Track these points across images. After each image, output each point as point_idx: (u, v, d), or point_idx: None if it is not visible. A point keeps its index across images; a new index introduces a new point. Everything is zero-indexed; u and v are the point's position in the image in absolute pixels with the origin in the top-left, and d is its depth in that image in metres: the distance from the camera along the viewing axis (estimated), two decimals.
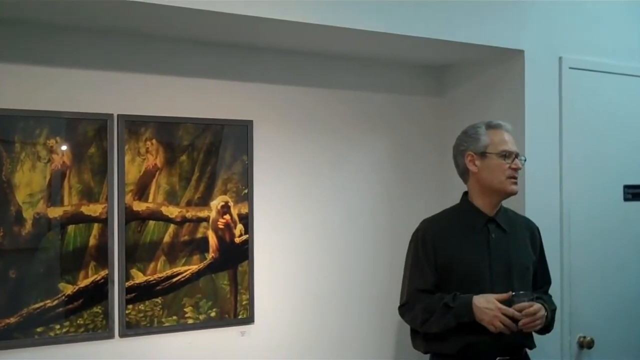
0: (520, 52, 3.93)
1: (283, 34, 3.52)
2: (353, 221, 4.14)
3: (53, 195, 3.33)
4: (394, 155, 4.30)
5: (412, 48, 3.87)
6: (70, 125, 3.38)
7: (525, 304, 3.09)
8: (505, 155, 3.24)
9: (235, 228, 3.74)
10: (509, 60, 3.99)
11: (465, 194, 3.42)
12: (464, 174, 3.38)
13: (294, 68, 3.96)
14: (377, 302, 4.17)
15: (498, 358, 3.18)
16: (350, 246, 4.12)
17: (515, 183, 3.27)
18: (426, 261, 3.28)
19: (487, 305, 3.07)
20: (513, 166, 3.25)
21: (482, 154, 3.26)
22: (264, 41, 3.68)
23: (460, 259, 3.25)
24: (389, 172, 4.28)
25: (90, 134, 3.42)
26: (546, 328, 3.31)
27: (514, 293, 3.11)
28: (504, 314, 3.04)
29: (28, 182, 3.28)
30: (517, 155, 3.28)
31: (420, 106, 4.40)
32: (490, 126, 3.33)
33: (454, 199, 3.51)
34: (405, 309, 3.35)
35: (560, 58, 4.06)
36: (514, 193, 3.29)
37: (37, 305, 3.29)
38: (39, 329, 3.29)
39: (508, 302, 3.09)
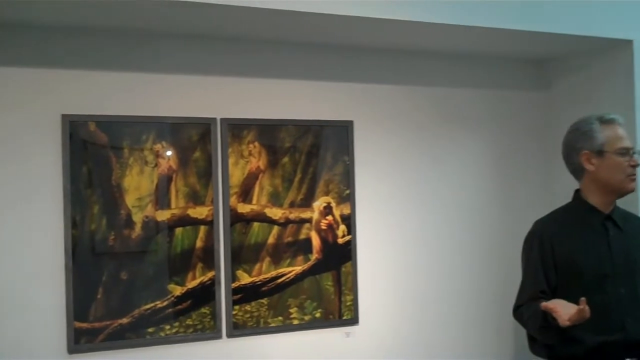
0: (629, 42, 3.76)
1: (383, 33, 3.49)
2: (456, 221, 4.07)
3: (161, 198, 3.41)
4: (497, 152, 4.20)
5: (514, 42, 3.77)
6: (175, 130, 3.45)
7: None
8: (623, 152, 3.09)
9: (337, 229, 3.74)
10: (616, 51, 3.83)
11: (578, 191, 3.29)
12: (577, 172, 3.23)
13: (393, 67, 3.92)
14: (483, 304, 4.09)
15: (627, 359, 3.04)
16: (453, 246, 4.05)
17: (634, 180, 3.12)
18: (542, 264, 3.15)
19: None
20: (632, 163, 3.10)
21: (599, 152, 3.10)
22: (363, 41, 3.66)
23: (581, 259, 3.11)
24: (492, 170, 4.19)
25: (194, 138, 3.48)
26: None
27: None
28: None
29: (137, 186, 3.37)
30: (634, 151, 3.13)
31: (522, 101, 4.28)
32: (603, 121, 3.16)
33: (561, 196, 3.38)
34: (518, 314, 3.24)
35: None
36: (632, 191, 3.13)
37: (147, 306, 3.38)
38: (150, 330, 3.37)
39: None
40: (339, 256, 3.74)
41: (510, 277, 3.42)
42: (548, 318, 2.88)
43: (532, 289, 3.14)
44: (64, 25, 3.22)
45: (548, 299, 3.00)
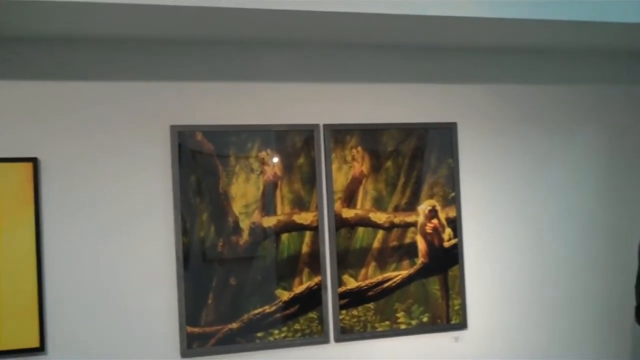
0: None
1: (487, 32, 3.43)
2: (567, 222, 3.95)
3: (267, 205, 3.47)
4: (606, 150, 4.04)
5: (623, 36, 3.62)
6: (280, 137, 3.50)
7: None
8: None
9: (443, 232, 3.70)
10: None
11: None
12: None
13: (497, 66, 3.85)
14: (595, 306, 3.95)
15: None
16: (564, 248, 3.93)
17: None
18: None
19: None
20: None
21: None
22: (466, 41, 3.61)
23: None
24: (606, 169, 4.03)
25: (298, 145, 3.52)
26: None
27: None
28: None
29: (243, 193, 3.44)
30: None
31: (634, 96, 4.11)
32: None
33: None
34: (636, 314, 3.11)
35: None
36: None
37: (256, 311, 3.44)
38: (259, 334, 3.43)
39: None
40: (446, 260, 3.70)
41: (623, 278, 3.30)
42: None
43: None
44: (171, 39, 3.33)
45: None
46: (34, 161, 3.19)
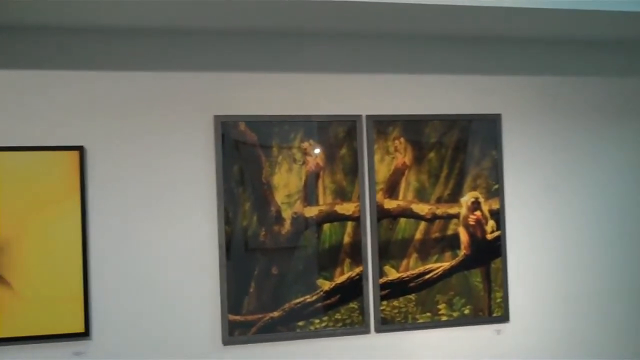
0: None
1: (534, 23, 3.39)
2: (613, 216, 3.88)
3: (309, 195, 3.48)
4: None
5: None
6: (322, 127, 3.50)
7: None
8: None
9: (486, 224, 3.67)
10: None
11: None
12: None
13: (543, 57, 3.79)
14: None
15: None
16: (610, 243, 3.87)
17: None
18: None
19: None
20: None
21: None
22: (510, 32, 3.56)
23: None
24: None
25: (340, 136, 3.52)
26: None
27: None
28: None
29: (286, 183, 3.45)
30: None
31: None
32: None
33: None
34: None
35: None
36: None
37: (297, 301, 3.45)
38: (300, 323, 3.45)
39: None
40: (488, 252, 3.67)
41: None
42: None
43: None
44: (216, 31, 3.34)
45: None
46: (81, 150, 3.25)
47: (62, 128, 3.26)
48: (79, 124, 3.28)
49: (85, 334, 3.23)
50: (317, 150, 3.49)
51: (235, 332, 3.38)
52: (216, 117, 3.38)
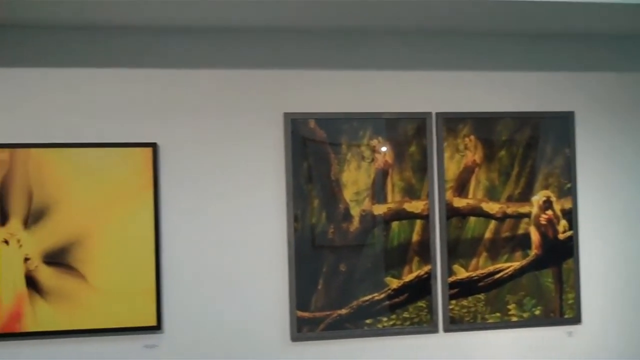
0: None
1: (608, 17, 3.31)
2: None
3: (377, 193, 3.47)
4: None
5: None
6: (391, 125, 3.49)
7: None
8: None
9: (558, 224, 3.61)
10: None
11: None
12: None
13: (617, 53, 3.70)
14: None
15: None
16: None
17: None
18: None
19: None
20: None
21: None
22: (585, 27, 3.48)
23: None
24: None
25: (410, 133, 3.50)
26: None
27: None
28: None
29: (354, 180, 3.45)
30: None
31: None
32: None
33: None
34: None
35: None
36: None
37: (365, 298, 3.45)
38: (367, 321, 3.44)
39: None
40: (560, 252, 3.61)
41: None
42: None
43: None
44: (286, 28, 3.36)
45: None
46: (154, 146, 3.30)
47: (136, 125, 3.32)
48: (153, 121, 3.33)
49: (157, 328, 3.29)
50: (386, 148, 3.48)
51: (303, 328, 3.39)
52: (286, 115, 3.40)
